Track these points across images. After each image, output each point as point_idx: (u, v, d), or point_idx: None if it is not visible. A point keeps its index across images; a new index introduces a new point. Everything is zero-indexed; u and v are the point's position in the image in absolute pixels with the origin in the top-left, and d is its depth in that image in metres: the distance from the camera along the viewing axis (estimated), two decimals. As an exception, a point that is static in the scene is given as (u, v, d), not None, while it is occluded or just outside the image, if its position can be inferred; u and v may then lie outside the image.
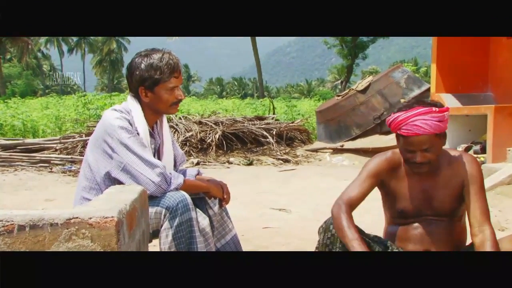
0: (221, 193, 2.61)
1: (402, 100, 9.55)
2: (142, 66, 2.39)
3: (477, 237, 2.14)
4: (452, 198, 2.28)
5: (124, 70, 3.84)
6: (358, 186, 2.30)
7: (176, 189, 2.34)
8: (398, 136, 2.23)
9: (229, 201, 2.65)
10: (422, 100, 2.25)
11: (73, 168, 8.14)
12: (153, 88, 2.41)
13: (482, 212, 2.20)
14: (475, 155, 6.74)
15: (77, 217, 1.51)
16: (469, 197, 2.24)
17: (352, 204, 2.23)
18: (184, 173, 2.69)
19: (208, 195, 2.57)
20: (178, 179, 2.36)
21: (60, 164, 8.44)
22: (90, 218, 1.52)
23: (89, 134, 9.39)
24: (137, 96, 2.46)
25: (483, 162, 6.52)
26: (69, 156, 8.72)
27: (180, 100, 2.48)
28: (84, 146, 8.83)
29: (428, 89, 9.49)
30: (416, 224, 2.31)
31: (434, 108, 2.14)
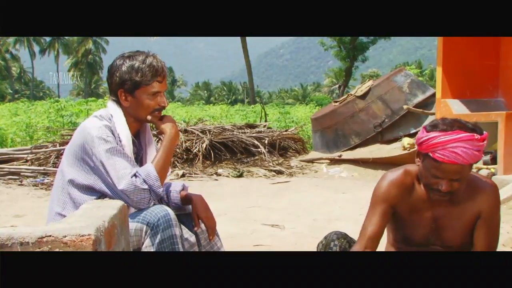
0: (206, 212, 2.60)
1: (405, 107, 9.60)
2: (123, 67, 2.41)
3: None
4: (465, 231, 2.23)
5: (102, 73, 3.84)
6: (371, 220, 2.20)
7: (157, 192, 2.33)
8: (426, 157, 2.07)
9: (213, 235, 2.61)
10: (460, 120, 2.09)
11: (45, 180, 8.08)
12: (133, 91, 2.42)
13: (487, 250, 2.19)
14: (484, 166, 6.77)
15: (50, 235, 1.49)
16: (479, 230, 2.21)
17: (373, 245, 2.17)
18: (168, 187, 2.67)
19: (194, 214, 2.57)
20: (149, 177, 2.32)
21: (31, 176, 8.37)
22: (65, 236, 1.50)
23: (63, 143, 9.33)
24: (118, 101, 2.47)
25: (493, 174, 6.55)
26: (42, 168, 8.65)
27: (163, 108, 2.48)
28: (58, 156, 8.78)
29: (433, 94, 9.53)
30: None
31: (476, 136, 2.01)
